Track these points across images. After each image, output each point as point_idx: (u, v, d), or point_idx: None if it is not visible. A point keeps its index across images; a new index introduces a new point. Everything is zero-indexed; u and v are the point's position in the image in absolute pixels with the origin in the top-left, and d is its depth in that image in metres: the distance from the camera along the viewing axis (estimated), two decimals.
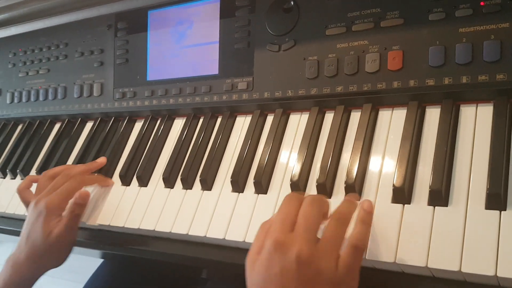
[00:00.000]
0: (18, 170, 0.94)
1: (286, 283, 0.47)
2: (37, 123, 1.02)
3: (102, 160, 0.83)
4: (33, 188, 0.81)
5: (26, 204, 0.79)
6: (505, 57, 0.56)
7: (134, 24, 0.89)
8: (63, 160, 0.91)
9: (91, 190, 0.79)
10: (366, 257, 0.53)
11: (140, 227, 0.72)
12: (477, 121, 0.58)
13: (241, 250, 0.65)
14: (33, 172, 0.94)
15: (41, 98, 1.00)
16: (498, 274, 0.47)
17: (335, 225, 0.50)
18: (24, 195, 0.80)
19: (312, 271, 0.47)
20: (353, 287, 0.49)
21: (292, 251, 0.47)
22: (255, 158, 0.71)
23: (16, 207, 0.89)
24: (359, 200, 0.56)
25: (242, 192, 0.68)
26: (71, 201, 0.72)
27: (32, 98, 1.02)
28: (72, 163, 0.88)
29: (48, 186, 0.76)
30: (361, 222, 0.51)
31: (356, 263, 0.49)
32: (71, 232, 0.72)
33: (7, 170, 0.96)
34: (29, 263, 0.71)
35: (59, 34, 0.99)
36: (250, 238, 0.63)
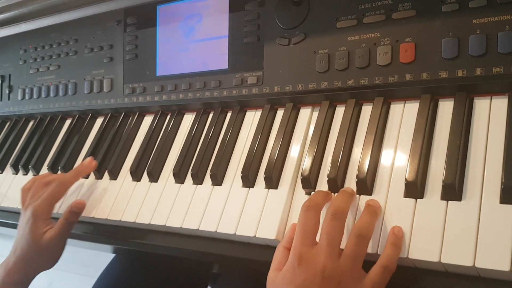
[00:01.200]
0: (30, 166, 0.95)
1: None
2: (48, 119, 1.03)
3: (89, 160, 0.83)
4: None
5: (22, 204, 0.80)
6: None
7: (143, 19, 0.89)
8: (74, 156, 0.92)
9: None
10: (378, 252, 0.53)
11: (151, 223, 0.72)
12: (491, 114, 0.57)
13: (252, 245, 0.65)
14: (44, 168, 0.94)
15: (51, 94, 1.01)
16: None
17: (355, 242, 0.51)
18: (23, 196, 0.80)
19: (334, 286, 0.48)
20: None
21: (316, 265, 0.49)
22: (265, 152, 0.71)
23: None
24: (381, 209, 0.56)
25: (253, 187, 0.68)
26: (66, 209, 0.75)
27: (43, 95, 1.02)
28: (83, 159, 0.88)
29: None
30: (392, 245, 0.52)
31: (383, 283, 0.50)
32: (63, 238, 0.74)
33: (19, 166, 0.97)
34: (20, 266, 0.73)
35: (69, 30, 0.99)
36: (260, 233, 0.62)
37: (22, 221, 0.75)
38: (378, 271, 0.50)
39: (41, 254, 0.73)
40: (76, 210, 0.74)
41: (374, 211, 0.54)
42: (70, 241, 0.86)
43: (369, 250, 0.53)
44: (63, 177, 0.78)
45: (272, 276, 0.53)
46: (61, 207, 0.83)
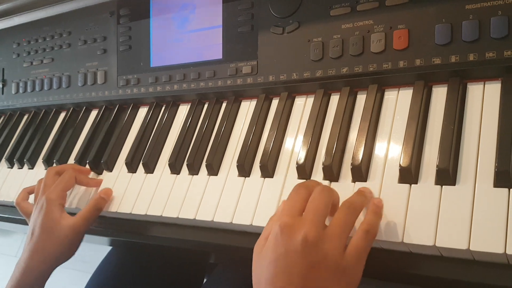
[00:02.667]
0: (25, 160, 0.95)
1: (291, 265, 0.47)
2: (42, 112, 1.02)
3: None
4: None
5: (27, 215, 0.78)
6: None
7: (137, 10, 0.88)
8: (69, 149, 0.92)
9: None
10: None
11: (148, 213, 0.72)
12: (484, 99, 0.57)
13: (248, 234, 0.65)
14: (40, 161, 0.94)
15: (45, 87, 1.00)
16: (507, 252, 0.47)
17: (345, 212, 0.51)
18: (23, 206, 0.80)
19: (318, 255, 0.47)
20: (357, 277, 0.49)
21: (299, 233, 0.47)
22: (261, 142, 0.71)
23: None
24: (371, 195, 0.56)
25: (249, 176, 0.68)
26: (96, 196, 0.75)
27: (37, 88, 1.02)
28: (78, 151, 0.88)
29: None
30: (373, 213, 0.52)
31: (366, 249, 0.50)
32: (88, 224, 0.73)
33: (14, 159, 0.97)
34: (37, 259, 0.70)
35: (62, 23, 0.99)
36: (257, 222, 0.62)
37: (35, 212, 0.73)
38: (360, 235, 0.50)
39: (59, 243, 0.71)
40: (105, 196, 0.75)
41: (365, 194, 0.55)
42: None
43: None
44: (75, 165, 0.79)
45: (260, 244, 0.52)
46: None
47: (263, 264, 0.49)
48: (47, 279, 0.72)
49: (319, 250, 0.47)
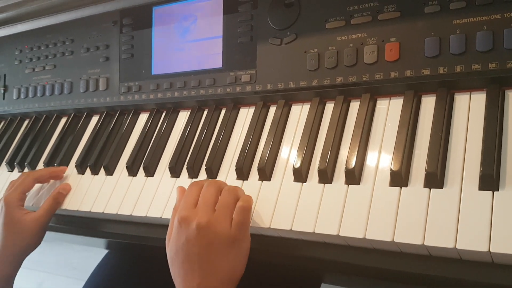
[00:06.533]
0: (26, 163, 0.97)
1: (191, 249, 0.58)
2: (43, 117, 1.04)
3: (62, 168, 0.90)
4: None
5: None
6: (496, 46, 0.59)
7: (139, 20, 0.91)
8: (70, 153, 0.94)
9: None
10: (366, 237, 0.56)
11: (147, 215, 0.75)
12: (470, 108, 0.61)
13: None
14: (40, 165, 0.96)
15: (47, 93, 1.03)
16: (491, 250, 0.50)
17: (226, 194, 0.62)
18: None
19: (210, 235, 0.57)
20: (245, 244, 0.60)
21: (194, 221, 0.58)
22: (258, 147, 0.74)
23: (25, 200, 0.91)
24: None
25: (247, 179, 0.71)
26: (55, 190, 0.84)
27: (39, 94, 1.04)
28: (79, 155, 0.90)
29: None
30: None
31: (245, 221, 0.60)
32: (49, 216, 0.81)
33: (15, 163, 0.98)
34: (7, 252, 0.77)
35: (65, 31, 1.01)
36: (254, 223, 0.65)
37: None
38: (238, 211, 0.60)
39: (26, 236, 0.78)
40: (63, 191, 0.84)
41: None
42: (66, 236, 0.88)
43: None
44: (34, 171, 0.87)
45: (167, 240, 0.62)
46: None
47: (171, 253, 0.60)
48: (18, 268, 0.79)
49: (211, 230, 0.57)
